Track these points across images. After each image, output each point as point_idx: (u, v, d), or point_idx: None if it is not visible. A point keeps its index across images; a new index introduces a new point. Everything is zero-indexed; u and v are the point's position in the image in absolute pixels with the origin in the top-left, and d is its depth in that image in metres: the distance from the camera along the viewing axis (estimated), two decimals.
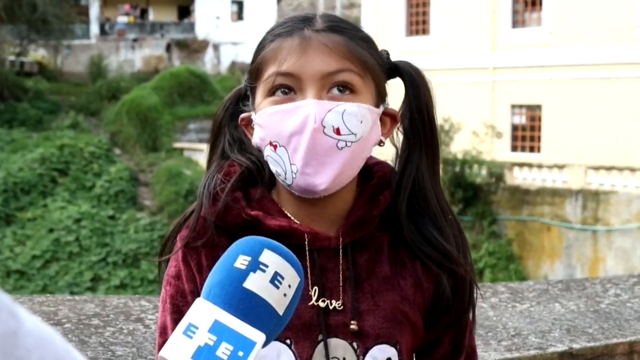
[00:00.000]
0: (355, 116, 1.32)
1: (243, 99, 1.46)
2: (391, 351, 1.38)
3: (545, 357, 2.62)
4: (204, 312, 1.00)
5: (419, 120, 1.44)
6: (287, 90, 1.32)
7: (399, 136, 1.46)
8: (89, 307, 2.92)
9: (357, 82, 1.34)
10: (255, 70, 1.38)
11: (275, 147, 1.33)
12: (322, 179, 1.31)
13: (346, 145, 1.31)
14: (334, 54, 1.32)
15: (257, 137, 1.37)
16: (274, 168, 1.36)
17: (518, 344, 2.69)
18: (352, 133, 1.31)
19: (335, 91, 1.32)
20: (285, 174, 1.33)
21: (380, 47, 1.44)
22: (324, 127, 1.29)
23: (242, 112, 1.45)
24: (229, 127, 1.46)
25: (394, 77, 1.45)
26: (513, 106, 28.24)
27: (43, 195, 28.25)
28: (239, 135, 1.46)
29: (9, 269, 25.62)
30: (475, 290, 1.46)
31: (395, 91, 1.51)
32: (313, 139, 1.29)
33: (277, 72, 1.32)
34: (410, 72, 1.45)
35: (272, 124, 1.32)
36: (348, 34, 1.36)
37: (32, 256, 25.91)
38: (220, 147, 1.46)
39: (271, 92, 1.34)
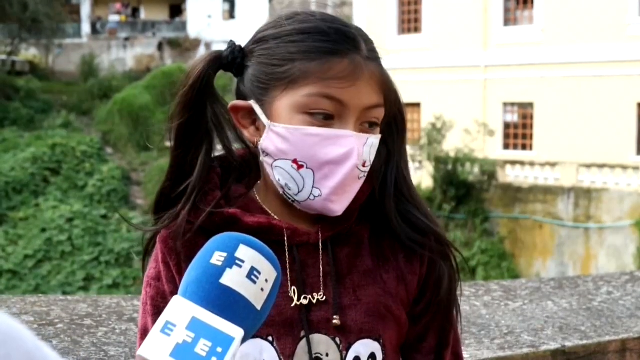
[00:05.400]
0: (375, 147, 1.34)
1: (225, 68, 1.37)
2: (375, 346, 1.37)
3: (538, 355, 2.62)
4: (181, 309, 0.99)
5: (399, 120, 1.44)
6: (327, 115, 1.29)
7: None
8: (82, 307, 2.91)
9: (382, 115, 1.35)
10: (289, 76, 1.30)
11: (300, 166, 1.30)
12: (341, 206, 1.33)
13: (364, 175, 1.33)
14: (376, 86, 1.32)
15: (271, 145, 1.32)
16: (283, 181, 1.32)
17: (511, 342, 2.69)
18: (371, 164, 1.34)
19: (366, 124, 1.32)
20: (299, 193, 1.32)
21: None
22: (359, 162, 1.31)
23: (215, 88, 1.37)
24: (211, 103, 1.37)
25: None
26: (505, 104, 28.29)
27: (35, 194, 28.17)
28: (221, 117, 1.38)
29: (1, 268, 25.56)
30: (458, 281, 1.46)
31: None
32: (350, 174, 1.30)
33: (323, 94, 1.28)
34: None
35: (307, 146, 1.29)
36: (380, 62, 1.35)
37: (24, 256, 25.85)
38: (202, 128, 1.38)
39: (309, 111, 1.29)
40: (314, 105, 1.28)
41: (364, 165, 1.32)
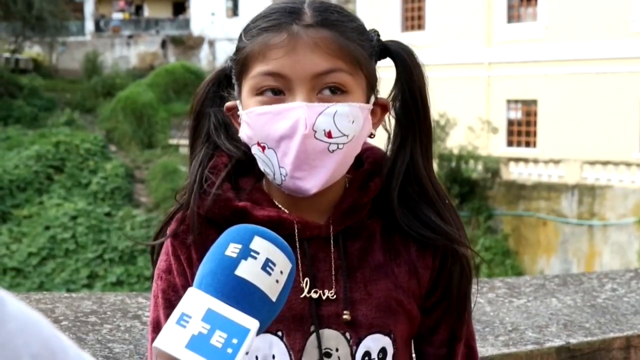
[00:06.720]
0: (347, 117, 1.28)
1: (225, 82, 1.42)
2: (385, 340, 1.36)
3: (542, 352, 2.62)
4: (196, 301, 0.99)
5: (412, 105, 1.38)
6: (276, 91, 1.28)
7: (391, 121, 1.42)
8: (86, 304, 2.92)
9: (348, 81, 1.29)
10: (240, 64, 1.33)
11: (263, 148, 1.30)
12: (313, 183, 1.29)
13: (338, 147, 1.28)
14: (324, 52, 1.27)
15: (244, 135, 1.34)
16: (262, 167, 1.33)
17: (515, 339, 2.69)
18: (344, 135, 1.28)
19: (326, 92, 1.28)
20: (274, 175, 1.31)
21: None
22: (315, 131, 1.26)
23: (224, 95, 1.42)
24: (213, 110, 1.42)
25: (384, 57, 1.40)
26: (509, 101, 28.26)
27: (39, 192, 28.20)
28: (224, 119, 1.41)
29: (5, 266, 25.59)
30: (473, 274, 1.43)
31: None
32: (304, 145, 1.26)
33: (264, 72, 1.28)
34: (402, 54, 1.40)
35: (260, 125, 1.29)
36: (339, 27, 1.30)
37: (28, 253, 25.88)
38: (204, 131, 1.41)
39: (258, 91, 1.30)
40: (260, 84, 1.29)
41: (329, 136, 1.27)
